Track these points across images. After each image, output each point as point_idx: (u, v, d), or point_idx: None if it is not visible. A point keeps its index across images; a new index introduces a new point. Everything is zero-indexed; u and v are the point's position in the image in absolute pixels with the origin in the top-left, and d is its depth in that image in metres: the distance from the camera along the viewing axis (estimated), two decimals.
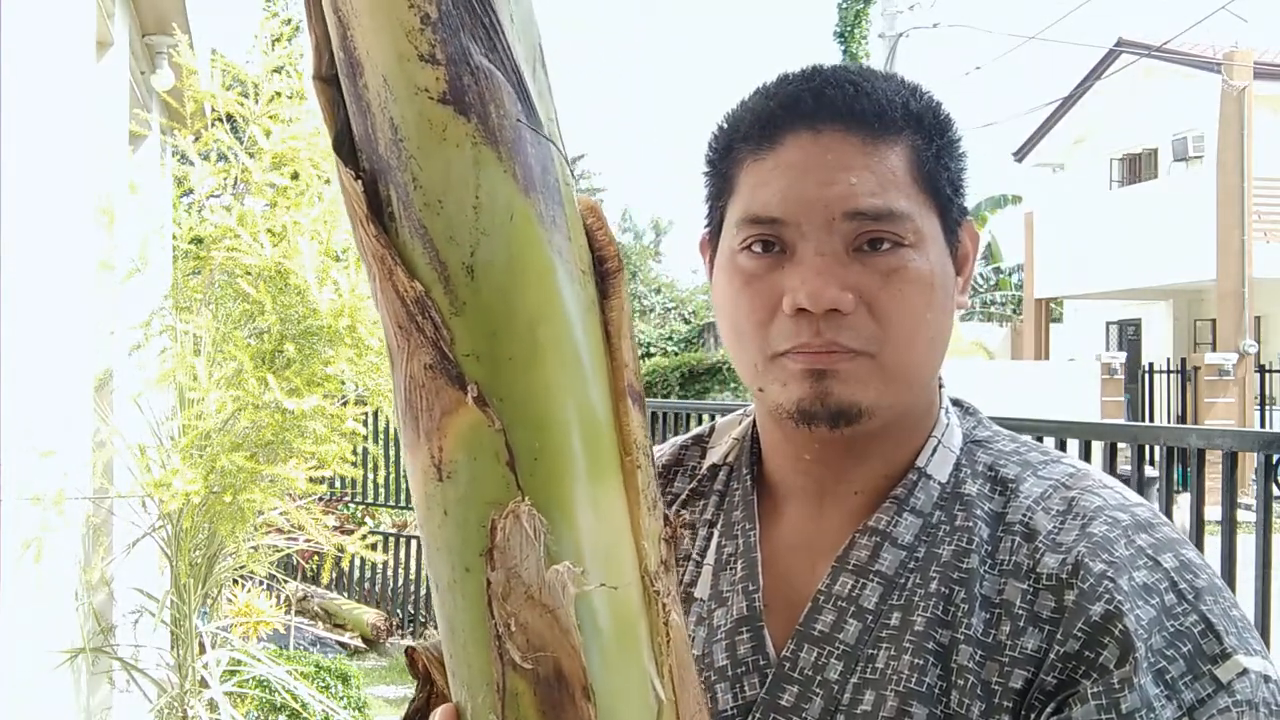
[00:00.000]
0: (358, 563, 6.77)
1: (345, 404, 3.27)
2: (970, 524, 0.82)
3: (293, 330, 3.14)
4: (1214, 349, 15.00)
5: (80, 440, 2.95)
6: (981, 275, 24.43)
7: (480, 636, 0.60)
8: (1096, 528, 0.78)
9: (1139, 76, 17.25)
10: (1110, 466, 3.28)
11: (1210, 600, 0.75)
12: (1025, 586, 0.78)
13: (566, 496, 0.61)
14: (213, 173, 3.38)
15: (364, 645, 6.20)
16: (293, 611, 5.81)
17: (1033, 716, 0.74)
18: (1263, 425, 14.00)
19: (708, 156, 0.89)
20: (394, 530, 7.24)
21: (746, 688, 0.83)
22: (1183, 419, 13.57)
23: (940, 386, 0.90)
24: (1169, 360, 15.32)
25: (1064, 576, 0.76)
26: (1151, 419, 13.96)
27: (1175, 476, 4.12)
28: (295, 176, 3.33)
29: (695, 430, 1.02)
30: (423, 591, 6.72)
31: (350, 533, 3.61)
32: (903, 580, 0.82)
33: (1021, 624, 0.76)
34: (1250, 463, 3.29)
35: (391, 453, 6.96)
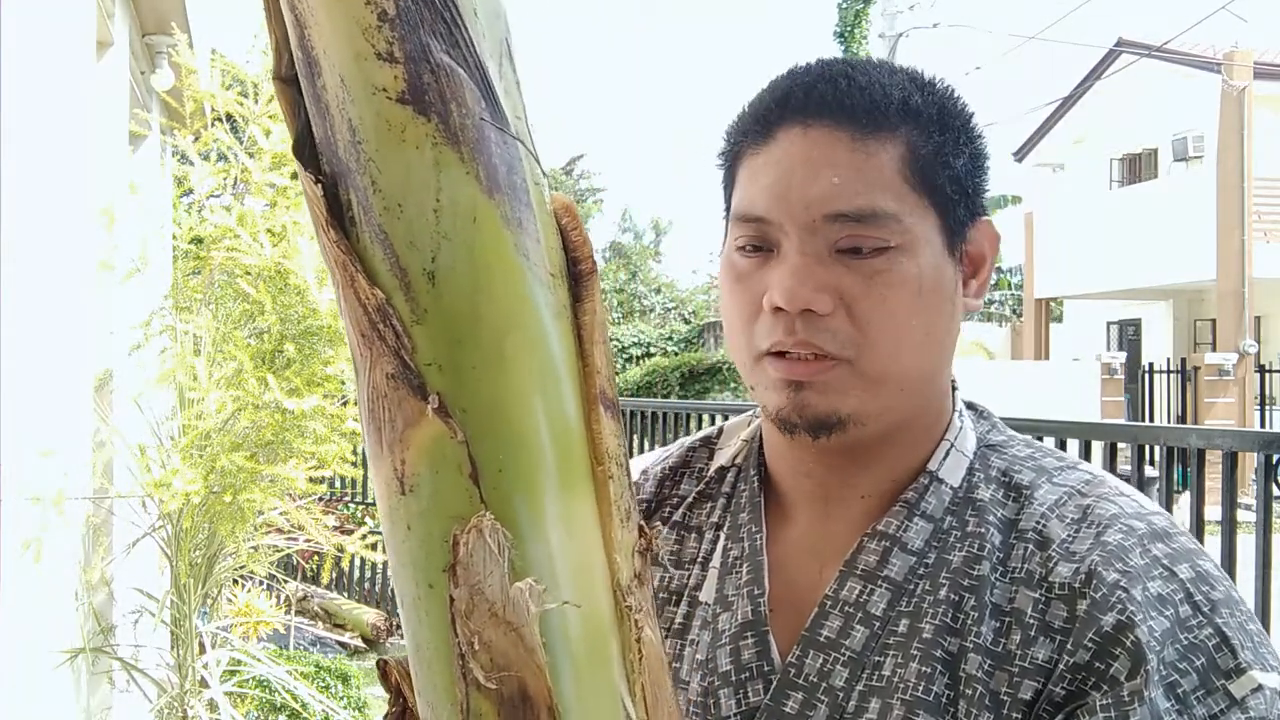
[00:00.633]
0: (358, 563, 6.77)
1: (345, 404, 3.27)
2: (982, 530, 0.80)
3: (293, 330, 3.14)
4: (1214, 349, 15.01)
5: (80, 440, 2.95)
6: None
7: (444, 655, 0.58)
8: (1111, 536, 0.76)
9: (1139, 76, 17.24)
10: (1110, 466, 3.28)
11: (1226, 613, 0.73)
12: (1037, 595, 0.76)
13: (532, 510, 0.59)
14: (213, 173, 3.38)
15: (364, 645, 6.20)
16: (293, 611, 5.81)
17: None
18: (1263, 425, 13.99)
19: (719, 151, 0.88)
20: None
21: (750, 694, 0.82)
22: (1183, 419, 13.56)
23: (954, 390, 0.88)
24: (1169, 360, 15.32)
25: (1077, 585, 0.74)
26: (1151, 419, 13.96)
27: (1175, 476, 4.11)
28: (295, 176, 3.33)
29: (704, 432, 1.01)
30: None
31: (350, 533, 3.61)
32: (911, 586, 0.80)
33: (1033, 633, 0.75)
34: (1250, 463, 3.29)
35: None
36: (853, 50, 17.71)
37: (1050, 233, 18.20)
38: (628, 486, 0.64)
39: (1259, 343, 15.21)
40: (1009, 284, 24.58)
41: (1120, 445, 3.35)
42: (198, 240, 3.38)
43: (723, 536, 0.90)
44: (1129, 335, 19.47)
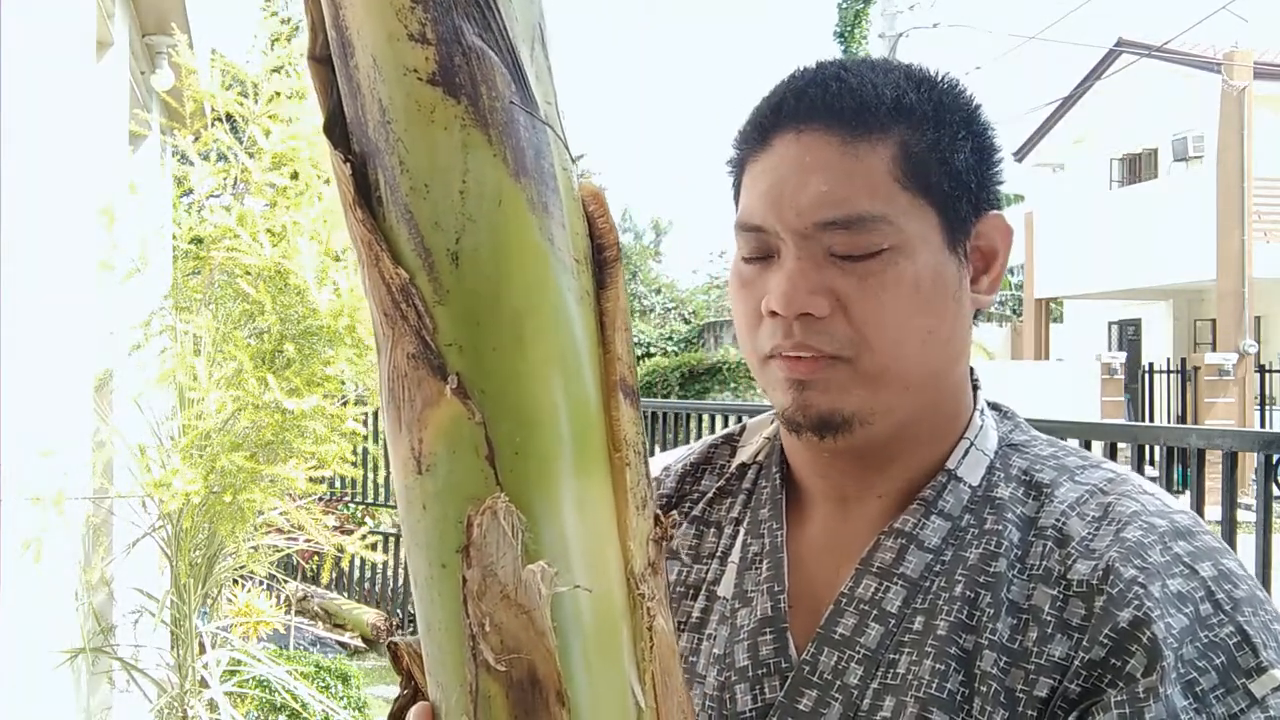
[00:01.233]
0: (358, 563, 6.77)
1: (345, 404, 3.27)
2: (1000, 527, 0.80)
3: (293, 330, 3.14)
4: (1214, 349, 15.00)
5: (80, 440, 2.95)
6: None
7: (455, 636, 0.58)
8: (1131, 533, 0.75)
9: (1139, 76, 17.24)
10: None
11: (1249, 611, 0.71)
12: (1055, 593, 0.75)
13: (548, 493, 0.58)
14: (212, 173, 3.38)
15: (364, 645, 6.20)
16: (293, 611, 5.81)
17: None
18: (1263, 425, 13.99)
19: (727, 160, 0.89)
20: (394, 530, 7.23)
21: (766, 689, 0.81)
22: (1183, 419, 13.56)
23: (976, 389, 0.88)
24: (1169, 360, 15.31)
25: (1094, 582, 0.74)
26: (1151, 419, 13.95)
27: (1175, 476, 4.11)
28: (295, 176, 3.33)
29: (727, 429, 1.01)
30: None
31: (350, 533, 3.61)
32: (927, 584, 0.79)
33: (1050, 630, 0.74)
34: (1250, 463, 3.29)
35: None
36: (852, 50, 17.72)
37: (1050, 233, 18.19)
38: (644, 475, 0.64)
39: (1259, 343, 15.21)
40: (1009, 284, 24.58)
41: (1120, 445, 3.35)
42: (198, 240, 3.38)
43: (742, 532, 0.90)
44: (1129, 335, 19.46)
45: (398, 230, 0.59)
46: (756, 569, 0.87)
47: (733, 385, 14.54)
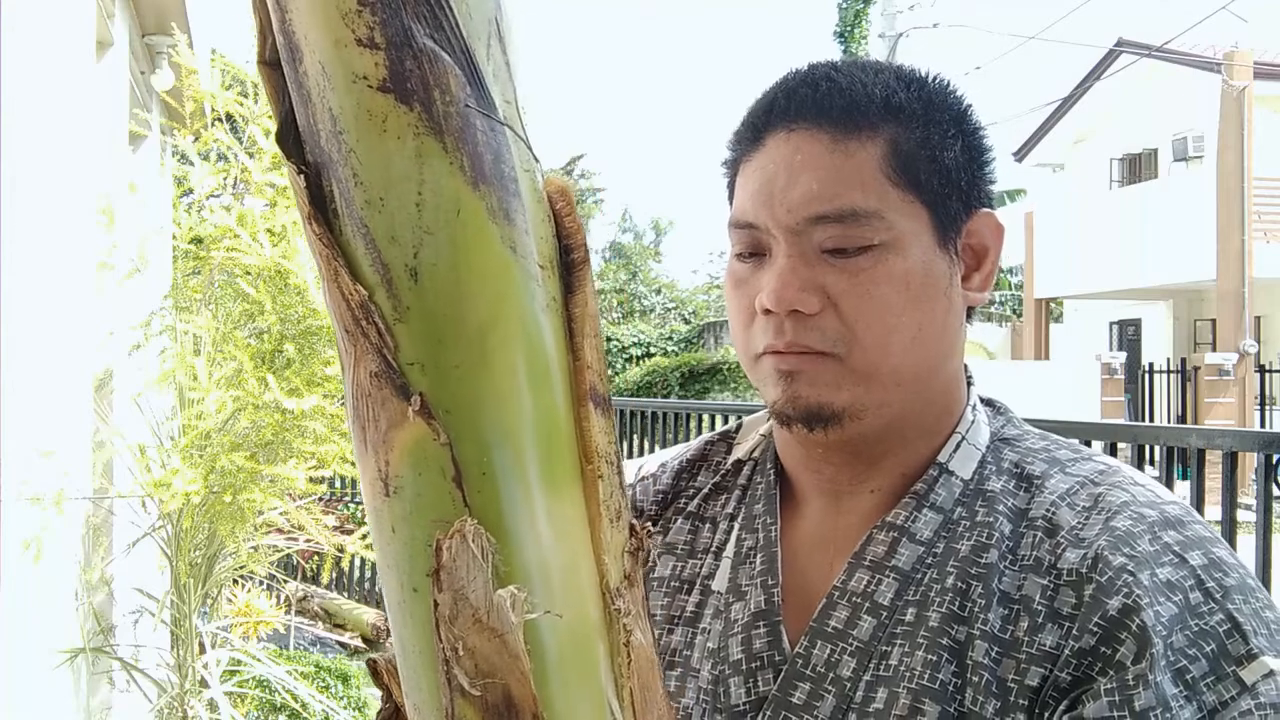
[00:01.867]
0: (358, 563, 6.77)
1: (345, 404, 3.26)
2: (991, 519, 0.80)
3: (293, 330, 3.14)
4: (1214, 349, 15.00)
5: (80, 440, 2.95)
6: None
7: (429, 660, 0.56)
8: (1120, 522, 0.76)
9: (1139, 76, 17.24)
10: None
11: (1239, 599, 0.72)
12: (1045, 582, 0.76)
13: (518, 512, 0.57)
14: (212, 173, 3.38)
15: (364, 645, 6.20)
16: (293, 611, 5.81)
17: (1046, 714, 0.72)
18: (1263, 425, 14.00)
19: (722, 160, 0.90)
20: None
21: (760, 683, 0.82)
22: (1183, 419, 13.57)
23: (970, 385, 0.89)
24: (1169, 360, 15.32)
25: (1084, 571, 0.74)
26: (1151, 419, 13.96)
27: (1175, 476, 4.12)
28: None
29: (724, 427, 1.02)
30: None
31: (350, 533, 3.61)
32: (919, 576, 0.80)
33: (1040, 620, 0.75)
34: (1250, 463, 3.29)
35: None
36: (852, 50, 17.73)
37: (1050, 233, 18.20)
38: (618, 486, 0.62)
39: (1259, 343, 15.21)
40: (1009, 284, 24.58)
41: (1120, 445, 3.35)
42: (197, 240, 3.37)
43: (737, 527, 0.91)
44: (1129, 335, 19.47)
45: (355, 244, 0.57)
46: (750, 563, 0.88)
47: (732, 385, 14.54)
